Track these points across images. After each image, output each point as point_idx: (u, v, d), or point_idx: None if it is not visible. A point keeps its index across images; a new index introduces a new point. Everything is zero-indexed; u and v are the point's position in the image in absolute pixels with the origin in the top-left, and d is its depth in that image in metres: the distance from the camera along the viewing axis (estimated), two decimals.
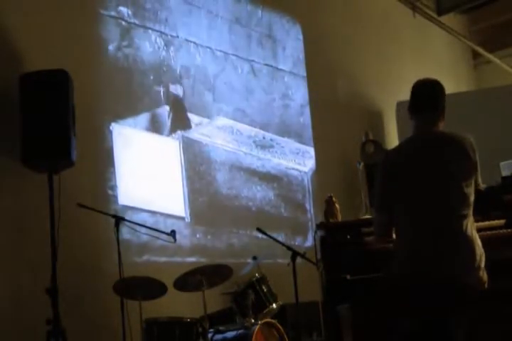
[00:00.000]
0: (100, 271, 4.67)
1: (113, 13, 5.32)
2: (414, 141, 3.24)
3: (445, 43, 10.19)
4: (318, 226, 4.25)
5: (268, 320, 4.59)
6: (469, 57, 11.15)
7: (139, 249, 5.06)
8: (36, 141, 4.07)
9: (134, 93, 5.36)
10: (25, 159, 4.12)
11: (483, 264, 3.03)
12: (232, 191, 6.04)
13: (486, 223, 3.81)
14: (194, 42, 6.01)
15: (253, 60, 6.62)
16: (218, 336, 4.45)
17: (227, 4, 6.47)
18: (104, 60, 5.20)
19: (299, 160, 6.90)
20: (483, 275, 3.02)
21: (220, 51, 6.26)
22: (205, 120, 5.98)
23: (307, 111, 7.14)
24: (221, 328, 4.50)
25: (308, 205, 6.88)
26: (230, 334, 4.44)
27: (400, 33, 8.99)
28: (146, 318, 4.17)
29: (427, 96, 3.22)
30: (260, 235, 5.05)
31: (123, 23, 5.39)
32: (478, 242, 3.06)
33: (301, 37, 7.28)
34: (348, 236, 4.02)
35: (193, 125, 5.84)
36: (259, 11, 6.83)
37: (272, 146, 6.59)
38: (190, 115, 5.84)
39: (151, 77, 5.54)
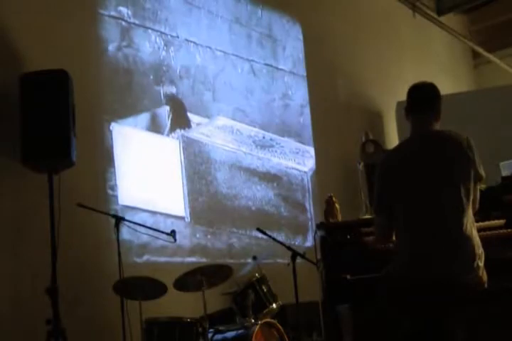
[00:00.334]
0: (100, 271, 4.67)
1: (113, 13, 5.32)
2: (411, 141, 3.29)
3: (445, 43, 10.19)
4: (318, 226, 4.25)
5: (268, 320, 4.59)
6: (469, 57, 11.16)
7: (139, 249, 5.06)
8: (36, 141, 4.07)
9: (134, 93, 5.36)
10: (25, 159, 4.12)
11: (482, 263, 3.03)
12: (232, 191, 6.04)
13: (486, 223, 3.82)
14: (194, 42, 6.01)
15: (253, 60, 6.62)
16: (218, 336, 4.44)
17: (227, 4, 6.47)
18: (104, 60, 5.20)
19: (299, 160, 6.90)
20: (483, 274, 3.03)
21: (220, 51, 6.26)
22: (205, 120, 5.98)
23: (307, 111, 7.14)
24: (221, 328, 4.49)
25: (308, 205, 6.88)
26: (230, 334, 4.44)
27: (400, 33, 8.99)
28: (146, 318, 4.17)
29: (423, 98, 3.30)
30: (260, 235, 5.06)
31: (123, 23, 5.39)
32: (478, 241, 3.07)
33: (301, 37, 7.28)
34: (348, 236, 4.02)
35: (192, 125, 5.83)
36: (259, 11, 6.83)
37: (271, 146, 6.59)
38: (190, 115, 5.84)
39: (151, 77, 5.54)
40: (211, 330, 4.40)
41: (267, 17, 6.89)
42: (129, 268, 4.23)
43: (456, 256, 3.00)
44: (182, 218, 5.52)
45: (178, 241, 4.58)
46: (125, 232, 4.66)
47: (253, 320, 4.48)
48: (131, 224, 4.48)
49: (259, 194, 6.31)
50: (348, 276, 3.85)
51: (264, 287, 4.73)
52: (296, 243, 6.44)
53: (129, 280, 4.12)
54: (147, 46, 5.55)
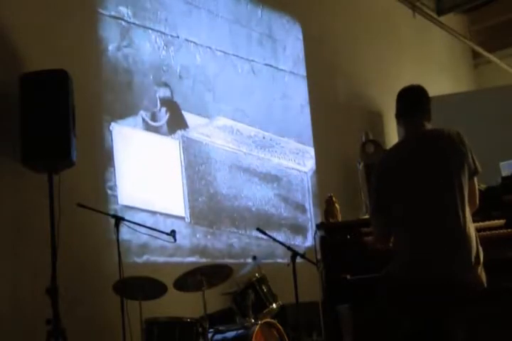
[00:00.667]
0: (100, 271, 4.67)
1: (113, 13, 5.32)
2: (407, 142, 3.30)
3: (445, 43, 10.19)
4: (318, 226, 4.25)
5: (268, 320, 4.59)
6: (469, 57, 11.16)
7: (139, 249, 5.06)
8: (36, 141, 4.07)
9: (134, 93, 5.36)
10: (25, 159, 4.12)
11: (481, 262, 3.03)
12: (232, 191, 6.04)
13: (486, 223, 3.82)
14: (194, 42, 6.01)
15: (253, 60, 6.62)
16: (218, 336, 4.44)
17: (227, 4, 6.47)
18: (104, 60, 5.20)
19: (299, 160, 6.90)
20: (482, 272, 3.03)
21: (220, 51, 6.26)
22: (205, 120, 5.98)
23: (307, 111, 7.14)
24: (221, 328, 4.49)
25: (308, 205, 6.88)
26: (230, 334, 4.44)
27: (400, 33, 9.00)
28: (146, 318, 4.17)
29: (412, 102, 3.32)
30: (260, 235, 5.06)
31: (123, 23, 5.39)
32: (477, 239, 3.07)
33: (301, 37, 7.28)
34: (348, 236, 4.02)
35: (193, 125, 5.83)
36: (259, 11, 6.83)
37: (271, 146, 6.59)
38: (190, 115, 5.83)
39: (151, 77, 5.54)
40: (211, 330, 4.40)
41: (266, 17, 6.89)
42: (129, 268, 4.23)
43: (456, 256, 3.00)
44: (182, 218, 5.52)
45: (177, 241, 4.58)
46: (125, 232, 4.66)
47: (253, 320, 4.48)
48: (131, 224, 4.47)
49: (259, 194, 6.31)
50: (348, 276, 3.85)
51: (264, 287, 4.73)
52: (296, 243, 6.44)
53: (129, 280, 4.12)
54: (147, 46, 5.55)
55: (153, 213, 5.24)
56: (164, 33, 5.73)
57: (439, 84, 9.06)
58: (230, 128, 6.20)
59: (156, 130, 5.50)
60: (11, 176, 4.33)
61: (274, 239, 4.80)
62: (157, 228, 4.70)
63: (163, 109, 5.60)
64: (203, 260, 5.41)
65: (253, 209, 6.22)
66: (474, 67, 11.25)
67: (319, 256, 4.13)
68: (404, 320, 3.08)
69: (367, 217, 4.69)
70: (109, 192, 4.99)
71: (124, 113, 5.24)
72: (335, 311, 4.08)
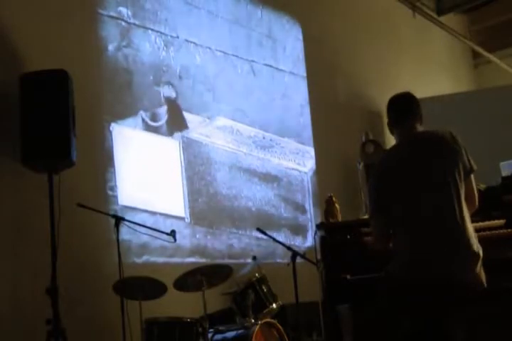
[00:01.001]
0: (100, 271, 4.67)
1: (113, 14, 5.32)
2: (403, 144, 3.33)
3: (445, 43, 10.19)
4: (318, 226, 4.25)
5: (268, 320, 4.58)
6: (469, 57, 11.15)
7: (139, 249, 5.06)
8: (36, 141, 4.07)
9: (134, 93, 5.36)
10: (25, 159, 4.12)
11: (480, 261, 3.04)
12: (232, 191, 6.04)
13: (486, 223, 3.82)
14: (194, 43, 6.01)
15: (253, 60, 6.62)
16: (218, 336, 4.44)
17: (227, 4, 6.47)
18: (104, 60, 5.20)
19: (299, 161, 6.90)
20: (481, 272, 3.03)
21: (220, 51, 6.26)
22: (205, 120, 5.98)
23: (307, 111, 7.14)
24: (221, 328, 4.49)
25: (308, 205, 6.88)
26: (230, 334, 4.44)
27: (400, 33, 8.99)
28: (146, 318, 4.17)
29: (402, 110, 3.35)
30: (260, 235, 5.06)
31: (123, 23, 5.39)
32: (476, 241, 3.07)
33: (301, 37, 7.28)
34: (348, 236, 4.02)
35: (192, 125, 5.83)
36: (259, 11, 6.83)
37: (271, 146, 6.59)
38: (190, 115, 5.83)
39: (151, 77, 5.53)
40: (211, 330, 4.40)
41: (266, 17, 6.89)
42: (129, 269, 4.23)
43: (456, 256, 3.00)
44: (182, 218, 5.52)
45: (177, 241, 4.57)
46: (125, 232, 4.66)
47: (253, 320, 4.48)
48: (131, 224, 4.47)
49: (259, 194, 6.31)
50: (348, 276, 3.85)
51: (264, 287, 4.73)
52: (296, 243, 6.44)
53: (128, 280, 4.12)
54: (147, 46, 5.55)
55: (153, 213, 5.24)
56: (164, 34, 5.73)
57: (439, 84, 9.07)
58: (229, 128, 6.20)
59: (155, 130, 5.50)
60: (11, 176, 4.33)
61: (274, 239, 4.80)
62: (157, 228, 4.70)
63: (163, 109, 5.60)
64: (203, 260, 5.40)
65: (253, 209, 6.22)
66: (474, 67, 11.25)
67: (319, 256, 4.14)
68: (404, 320, 3.09)
69: (367, 217, 4.71)
70: (109, 192, 4.99)
71: (124, 113, 5.24)
72: (335, 311, 4.09)
